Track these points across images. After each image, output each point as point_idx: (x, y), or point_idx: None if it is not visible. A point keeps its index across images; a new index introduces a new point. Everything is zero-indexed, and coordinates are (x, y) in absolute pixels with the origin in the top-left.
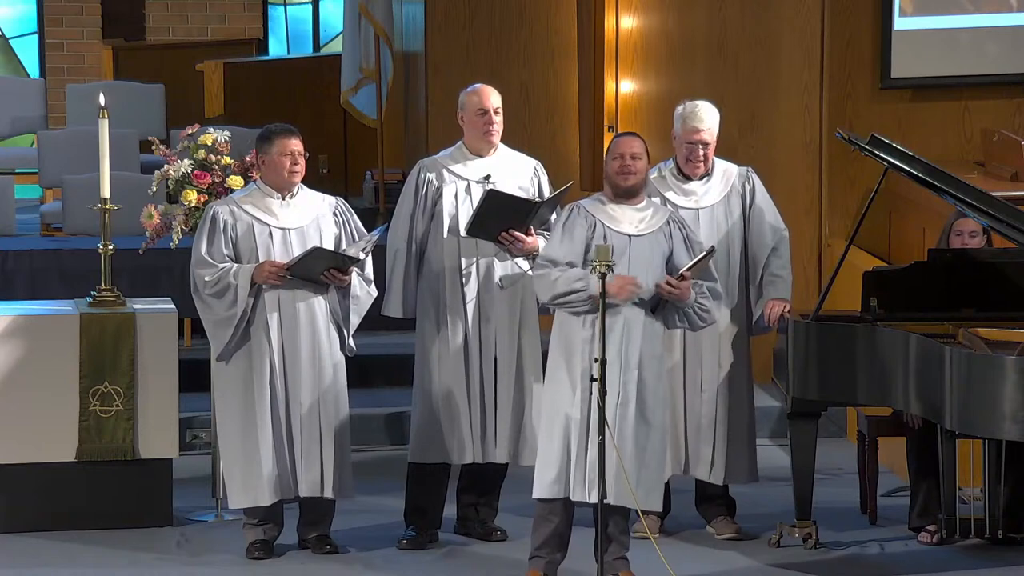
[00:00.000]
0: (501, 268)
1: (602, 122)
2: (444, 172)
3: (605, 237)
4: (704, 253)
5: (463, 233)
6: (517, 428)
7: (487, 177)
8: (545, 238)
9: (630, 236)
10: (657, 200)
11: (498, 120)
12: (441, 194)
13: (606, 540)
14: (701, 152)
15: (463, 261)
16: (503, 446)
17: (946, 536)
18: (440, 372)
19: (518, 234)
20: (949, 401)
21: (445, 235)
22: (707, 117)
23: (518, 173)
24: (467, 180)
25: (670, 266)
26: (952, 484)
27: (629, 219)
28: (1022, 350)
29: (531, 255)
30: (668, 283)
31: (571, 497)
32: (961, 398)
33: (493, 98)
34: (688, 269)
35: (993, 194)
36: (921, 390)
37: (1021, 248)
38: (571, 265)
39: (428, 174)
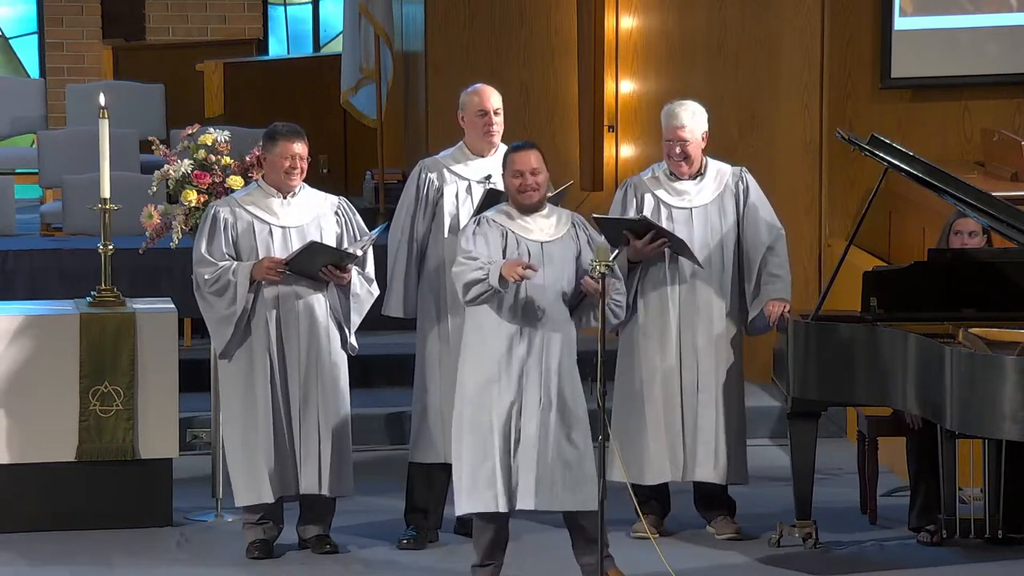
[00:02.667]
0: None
1: (602, 122)
2: (445, 172)
3: (518, 243)
4: (618, 251)
5: None
6: None
7: (488, 177)
8: None
9: (542, 243)
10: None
11: (498, 120)
12: (442, 194)
13: (584, 540)
14: (679, 150)
15: None
16: None
17: (946, 536)
18: (440, 372)
19: None
20: (949, 401)
21: (446, 235)
22: (686, 116)
23: None
24: (468, 180)
25: (579, 267)
26: (952, 484)
27: (539, 227)
28: (1022, 350)
29: None
30: (592, 278)
31: (500, 509)
32: (961, 398)
33: (493, 99)
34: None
35: (993, 194)
36: (921, 390)
37: (1021, 248)
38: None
39: (429, 174)
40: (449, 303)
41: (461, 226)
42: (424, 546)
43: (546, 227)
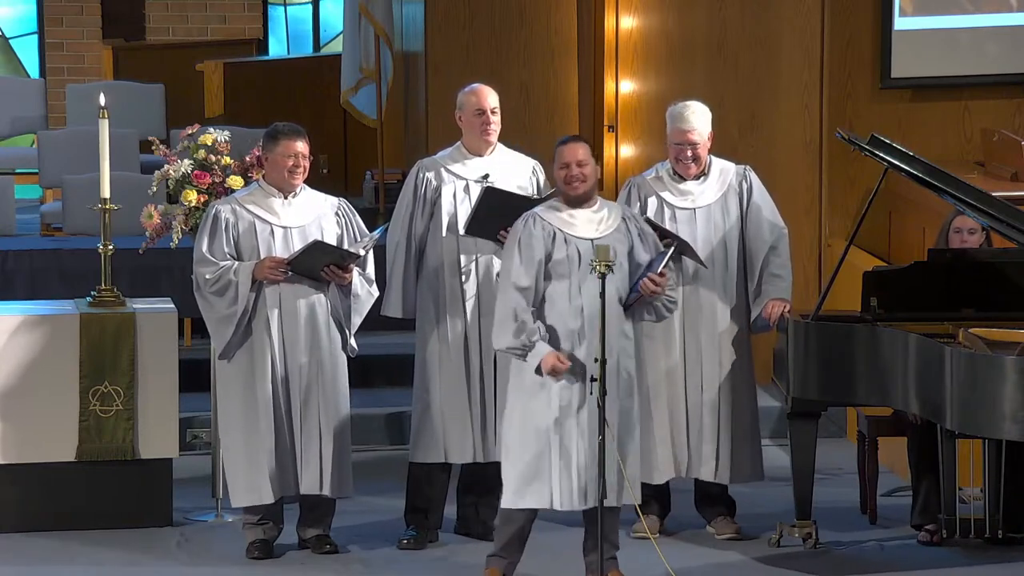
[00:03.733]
0: (500, 266)
1: (602, 122)
2: (443, 171)
3: (566, 242)
4: (673, 248)
5: (462, 232)
6: None
7: (486, 176)
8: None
9: (592, 240)
10: (610, 201)
11: (495, 120)
12: (440, 193)
13: (599, 537)
14: (689, 153)
15: (462, 259)
16: None
17: (946, 536)
18: (440, 371)
19: None
20: (949, 401)
21: (444, 234)
22: (694, 118)
23: (517, 172)
24: (466, 179)
25: (632, 261)
26: (952, 484)
27: (587, 222)
28: (1022, 350)
29: None
30: (653, 281)
31: (557, 507)
32: (961, 398)
33: (490, 98)
34: (665, 266)
35: (993, 194)
36: (921, 390)
37: (1021, 248)
38: (536, 288)
39: (427, 173)
40: (448, 303)
41: (459, 225)
42: (424, 546)
43: (595, 221)
